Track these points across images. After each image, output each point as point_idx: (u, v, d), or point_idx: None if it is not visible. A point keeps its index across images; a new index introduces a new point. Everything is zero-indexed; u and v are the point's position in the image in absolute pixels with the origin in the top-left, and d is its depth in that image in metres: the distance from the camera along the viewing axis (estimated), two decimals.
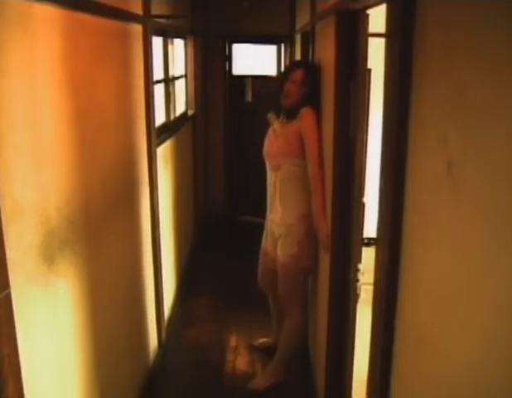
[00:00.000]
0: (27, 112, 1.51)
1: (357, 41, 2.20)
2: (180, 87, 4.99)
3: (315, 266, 3.00)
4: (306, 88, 2.81)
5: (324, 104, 2.72)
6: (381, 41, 1.48)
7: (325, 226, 2.66)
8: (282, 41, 5.98)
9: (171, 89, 4.39)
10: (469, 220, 0.93)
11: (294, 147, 2.79)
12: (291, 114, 2.83)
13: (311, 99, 2.80)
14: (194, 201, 5.34)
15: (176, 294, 4.23)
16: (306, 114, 2.74)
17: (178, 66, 4.85)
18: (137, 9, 2.81)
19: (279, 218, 2.93)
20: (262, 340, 3.55)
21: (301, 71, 2.85)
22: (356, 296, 2.30)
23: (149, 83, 3.00)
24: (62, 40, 1.75)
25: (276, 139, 2.91)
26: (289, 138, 2.82)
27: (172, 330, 3.75)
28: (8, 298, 1.24)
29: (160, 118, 3.85)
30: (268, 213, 3.05)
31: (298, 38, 4.52)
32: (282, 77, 3.08)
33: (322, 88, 2.78)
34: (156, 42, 3.78)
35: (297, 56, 4.58)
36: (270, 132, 3.01)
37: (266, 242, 3.12)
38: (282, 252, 2.94)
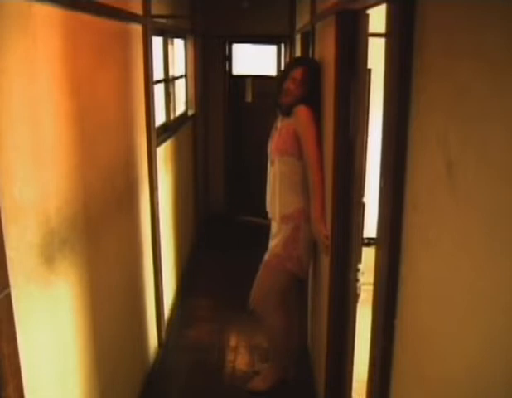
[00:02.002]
0: (27, 112, 1.51)
1: (357, 41, 2.20)
2: (180, 87, 4.99)
3: (300, 271, 2.92)
4: (306, 86, 2.76)
5: (324, 104, 2.72)
6: (381, 41, 1.48)
7: (323, 228, 2.64)
8: (282, 41, 5.98)
9: (171, 89, 4.39)
10: (469, 220, 0.93)
11: (287, 145, 2.77)
12: (288, 112, 2.79)
13: (311, 98, 2.75)
14: (194, 201, 5.34)
15: (176, 294, 4.23)
16: (300, 111, 2.69)
17: (178, 66, 4.86)
18: (137, 9, 2.81)
19: (270, 210, 2.96)
20: (264, 366, 3.29)
21: (302, 69, 2.79)
22: (356, 296, 2.30)
23: (149, 83, 3.00)
24: (62, 40, 1.75)
25: (275, 135, 2.91)
26: (283, 136, 2.80)
27: (172, 330, 3.75)
28: (8, 298, 1.24)
29: (160, 118, 3.85)
30: (266, 205, 3.04)
31: (298, 38, 4.52)
32: (281, 75, 3.01)
33: (323, 87, 2.73)
34: (156, 42, 3.78)
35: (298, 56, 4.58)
36: (274, 127, 3.00)
37: (271, 242, 3.05)
38: (270, 250, 2.93)
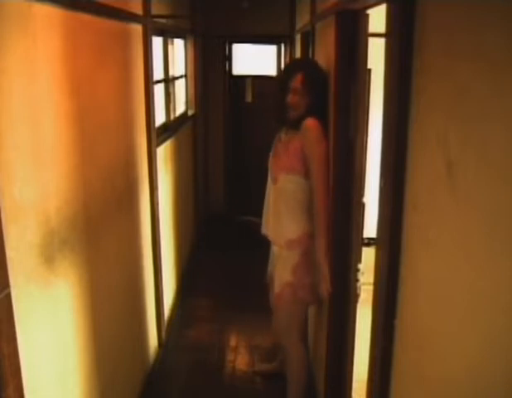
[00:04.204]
0: (27, 112, 1.51)
1: (357, 41, 2.20)
2: (180, 87, 4.99)
3: (313, 300, 2.68)
4: (311, 93, 2.46)
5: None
6: (381, 41, 1.48)
7: (327, 273, 2.41)
8: (282, 41, 5.98)
9: (171, 89, 4.39)
10: (469, 220, 0.93)
11: (293, 162, 2.47)
12: (295, 125, 2.47)
13: (318, 106, 2.47)
14: (194, 201, 5.34)
15: (176, 294, 4.23)
16: (308, 127, 2.39)
17: (178, 66, 4.86)
18: (137, 9, 2.81)
19: (271, 234, 2.67)
20: (264, 366, 3.35)
21: (300, 75, 2.46)
22: (356, 296, 2.30)
23: (149, 83, 3.00)
24: (62, 40, 1.75)
25: (278, 149, 2.60)
26: (289, 152, 2.49)
27: (172, 330, 3.75)
28: (8, 298, 1.24)
29: (160, 118, 3.85)
30: (262, 227, 2.74)
31: (298, 38, 4.52)
32: (280, 87, 2.56)
33: (329, 90, 2.47)
34: (156, 42, 3.78)
35: (297, 56, 4.58)
36: (276, 139, 2.68)
37: (270, 266, 2.85)
38: (277, 280, 2.63)
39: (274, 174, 2.58)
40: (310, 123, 2.39)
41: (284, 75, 2.65)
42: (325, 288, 2.45)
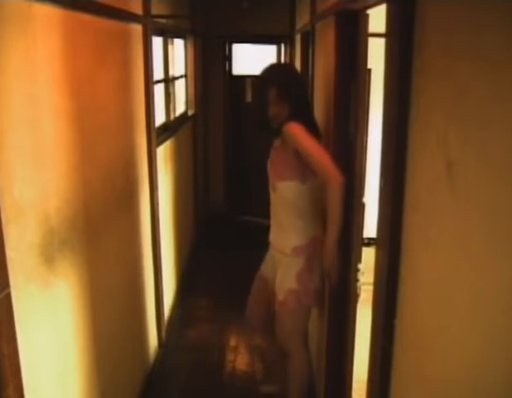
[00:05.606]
0: (27, 112, 1.51)
1: (357, 41, 2.20)
2: (180, 87, 4.99)
3: (317, 302, 2.60)
4: (289, 100, 2.43)
5: (322, 106, 2.71)
6: (381, 41, 1.49)
7: (337, 262, 2.34)
8: (282, 41, 5.98)
9: (171, 89, 4.40)
10: (469, 220, 0.93)
11: (286, 168, 2.45)
12: (280, 132, 2.43)
13: (300, 108, 2.45)
14: (194, 201, 5.34)
15: (176, 294, 4.23)
16: (285, 131, 2.36)
17: (178, 66, 4.86)
18: (137, 9, 2.81)
19: (274, 242, 2.64)
20: (270, 388, 3.23)
21: (274, 89, 2.44)
22: (356, 296, 2.31)
23: (149, 83, 3.00)
24: (62, 40, 1.75)
25: (273, 157, 2.57)
26: (281, 159, 2.48)
27: (172, 330, 3.75)
28: (8, 298, 1.24)
29: (160, 118, 3.85)
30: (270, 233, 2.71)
31: (298, 38, 4.52)
32: (257, 101, 2.56)
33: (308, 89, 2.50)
34: (156, 42, 3.78)
35: (297, 56, 4.58)
36: (272, 147, 2.64)
37: (266, 267, 2.76)
38: (280, 287, 2.53)
39: (272, 182, 2.55)
40: (286, 127, 2.35)
41: (258, 89, 2.62)
42: (334, 277, 2.37)
